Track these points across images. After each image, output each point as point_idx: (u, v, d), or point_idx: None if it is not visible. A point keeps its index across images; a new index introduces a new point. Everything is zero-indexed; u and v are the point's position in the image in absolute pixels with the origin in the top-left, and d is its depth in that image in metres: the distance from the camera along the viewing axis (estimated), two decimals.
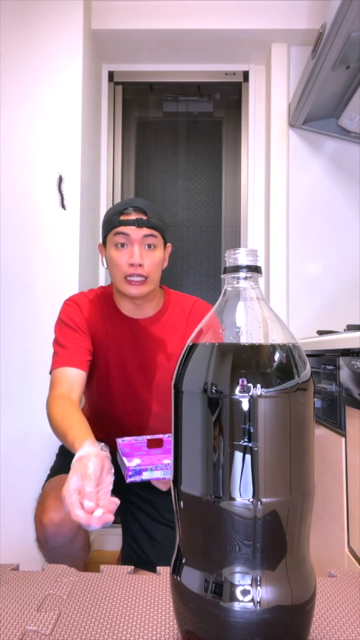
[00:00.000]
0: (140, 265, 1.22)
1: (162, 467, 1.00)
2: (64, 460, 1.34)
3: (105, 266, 1.31)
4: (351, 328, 1.46)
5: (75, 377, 1.21)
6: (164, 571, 0.62)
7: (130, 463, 1.02)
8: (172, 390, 0.45)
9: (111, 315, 1.34)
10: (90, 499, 0.80)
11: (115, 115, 2.40)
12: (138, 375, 1.33)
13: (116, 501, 0.83)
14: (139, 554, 1.31)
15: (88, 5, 2.06)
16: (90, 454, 0.89)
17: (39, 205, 1.95)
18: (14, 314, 1.91)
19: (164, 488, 1.08)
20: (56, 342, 1.28)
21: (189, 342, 0.46)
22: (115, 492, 1.45)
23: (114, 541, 2.16)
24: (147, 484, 1.36)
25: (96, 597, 0.55)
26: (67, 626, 0.49)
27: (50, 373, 1.24)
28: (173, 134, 2.45)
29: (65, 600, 0.55)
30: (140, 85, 2.42)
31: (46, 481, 1.27)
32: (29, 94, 1.97)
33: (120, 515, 1.44)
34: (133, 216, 1.23)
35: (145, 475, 0.99)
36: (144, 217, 1.23)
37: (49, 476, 1.28)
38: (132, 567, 0.64)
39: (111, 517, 0.79)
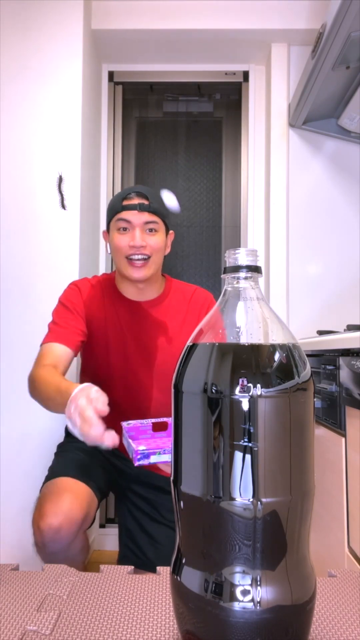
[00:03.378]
0: (142, 246, 1.26)
1: (169, 450, 0.99)
2: (62, 460, 1.34)
3: (109, 252, 1.33)
4: (351, 328, 1.46)
5: (62, 353, 1.25)
6: (164, 571, 0.62)
7: (139, 447, 1.02)
8: (172, 390, 0.45)
9: (112, 298, 1.36)
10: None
11: (115, 115, 2.40)
12: (139, 358, 1.34)
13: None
14: (137, 554, 1.30)
15: (88, 5, 2.06)
16: (91, 386, 0.99)
17: (39, 205, 1.95)
18: (14, 313, 1.91)
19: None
20: (51, 322, 1.32)
21: (189, 342, 0.46)
22: (114, 490, 1.46)
23: (114, 541, 2.16)
24: (147, 482, 1.36)
25: (96, 597, 0.55)
26: (67, 626, 0.49)
27: (40, 346, 1.28)
28: (173, 134, 2.45)
29: (65, 600, 0.55)
30: (140, 85, 2.42)
31: (44, 483, 1.26)
32: (29, 94, 1.97)
33: (119, 515, 1.44)
34: (135, 201, 1.27)
35: (153, 459, 0.99)
36: (146, 202, 1.27)
37: (47, 477, 1.28)
38: (132, 567, 0.64)
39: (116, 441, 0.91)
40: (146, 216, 1.27)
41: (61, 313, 1.33)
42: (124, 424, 1.17)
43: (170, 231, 1.37)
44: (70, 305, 1.33)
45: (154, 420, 1.19)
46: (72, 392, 0.99)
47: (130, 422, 1.18)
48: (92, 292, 1.37)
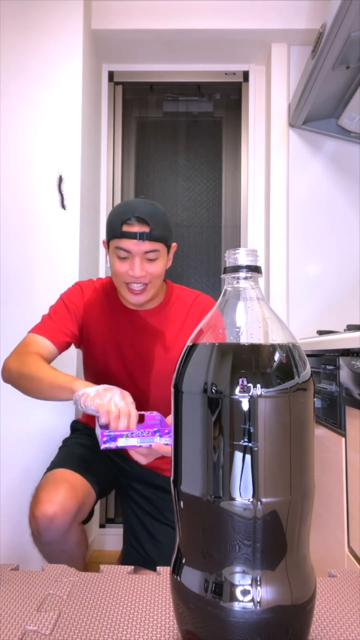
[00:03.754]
0: (141, 276, 1.23)
1: (137, 434, 0.99)
2: (63, 454, 1.35)
3: (108, 264, 1.33)
4: (351, 328, 1.46)
5: (46, 347, 1.27)
6: (164, 571, 0.62)
7: (105, 430, 1.02)
8: (172, 390, 0.45)
9: (112, 305, 1.36)
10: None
11: (115, 115, 2.40)
12: (136, 365, 1.35)
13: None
14: (140, 552, 1.31)
15: (88, 5, 2.06)
16: (116, 387, 1.08)
17: (39, 205, 1.95)
18: (14, 313, 1.91)
19: (143, 461, 1.06)
20: (47, 314, 1.34)
21: (189, 342, 0.46)
22: (116, 488, 1.47)
23: (114, 541, 2.16)
24: (148, 482, 1.36)
25: (96, 597, 0.55)
26: (67, 626, 0.49)
27: (28, 333, 1.30)
28: (173, 134, 2.45)
29: (65, 600, 0.55)
30: (140, 85, 2.42)
31: (43, 475, 1.27)
32: (29, 94, 1.97)
33: (122, 513, 1.44)
34: (136, 228, 1.20)
35: (121, 442, 0.99)
36: (147, 230, 1.20)
37: (48, 469, 1.29)
38: (132, 567, 0.64)
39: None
40: (147, 245, 1.21)
41: (58, 309, 1.33)
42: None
43: (173, 244, 1.32)
44: (69, 304, 1.34)
45: None
46: (77, 387, 1.09)
47: None
48: (94, 295, 1.37)
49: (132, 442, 0.99)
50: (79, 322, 1.33)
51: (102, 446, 0.99)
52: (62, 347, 1.31)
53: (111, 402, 1.03)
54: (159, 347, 1.35)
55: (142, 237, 1.20)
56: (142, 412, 1.21)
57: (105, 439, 0.98)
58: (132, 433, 0.99)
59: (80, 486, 1.20)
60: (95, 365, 1.38)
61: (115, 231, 1.23)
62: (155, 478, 1.36)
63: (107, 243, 1.29)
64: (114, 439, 0.98)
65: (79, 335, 1.36)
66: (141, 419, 1.21)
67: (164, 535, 1.30)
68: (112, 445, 0.98)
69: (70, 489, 1.16)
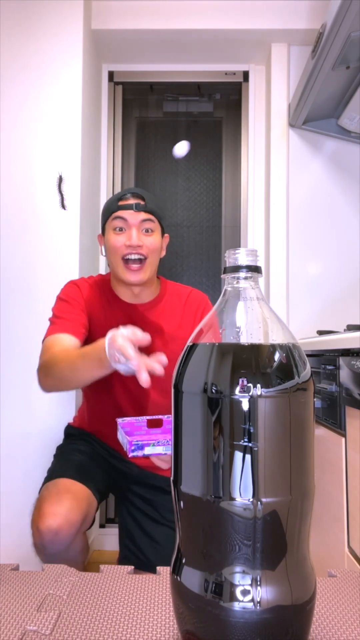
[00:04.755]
0: (138, 246, 1.25)
1: (163, 442, 1.00)
2: (61, 462, 1.34)
3: (104, 254, 1.32)
4: (351, 328, 1.46)
5: (70, 342, 1.20)
6: (164, 571, 0.62)
7: (132, 438, 1.03)
8: (172, 390, 0.45)
9: (108, 300, 1.36)
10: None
11: (115, 115, 2.40)
12: None
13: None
14: (137, 555, 1.30)
15: (88, 5, 2.06)
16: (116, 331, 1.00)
17: (39, 205, 1.95)
18: (14, 313, 1.91)
19: (164, 466, 1.07)
20: (52, 316, 1.29)
21: (189, 342, 0.46)
22: (114, 491, 1.46)
23: (114, 541, 2.16)
24: (147, 483, 1.36)
25: (96, 597, 0.55)
26: (67, 626, 0.49)
27: (43, 341, 1.24)
28: (173, 134, 2.45)
29: (65, 600, 0.55)
30: (140, 85, 2.42)
31: (43, 484, 1.26)
32: (29, 94, 1.97)
33: (119, 516, 1.44)
34: (131, 201, 1.27)
35: (147, 450, 1.00)
36: (142, 202, 1.27)
37: (46, 478, 1.28)
38: (132, 567, 0.64)
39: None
40: (142, 215, 1.26)
41: (62, 307, 1.30)
42: (119, 420, 1.18)
43: (166, 234, 1.37)
44: (70, 299, 1.31)
45: (149, 417, 1.20)
46: (103, 342, 1.01)
47: (125, 418, 1.19)
48: (91, 291, 1.36)
49: (158, 450, 1.00)
50: (85, 313, 1.31)
51: (130, 455, 0.99)
52: (83, 337, 1.26)
53: (120, 339, 0.97)
54: (157, 342, 1.34)
55: (137, 207, 1.26)
56: (161, 417, 1.20)
57: (133, 447, 0.99)
58: (158, 442, 1.00)
59: (83, 496, 1.19)
60: None
61: (111, 207, 1.28)
62: (153, 479, 1.35)
63: (103, 227, 1.32)
64: (141, 447, 0.99)
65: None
66: (159, 424, 1.21)
67: (162, 536, 1.29)
68: (139, 453, 0.99)
69: (74, 500, 1.14)
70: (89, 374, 1.07)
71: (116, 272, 1.30)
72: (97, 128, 2.29)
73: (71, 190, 1.94)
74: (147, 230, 1.28)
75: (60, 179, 1.94)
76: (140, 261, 1.27)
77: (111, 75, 2.38)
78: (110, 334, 1.00)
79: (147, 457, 1.03)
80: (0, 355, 1.91)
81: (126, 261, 1.27)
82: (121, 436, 1.09)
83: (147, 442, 1.00)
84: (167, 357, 1.33)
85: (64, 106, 1.96)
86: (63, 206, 1.94)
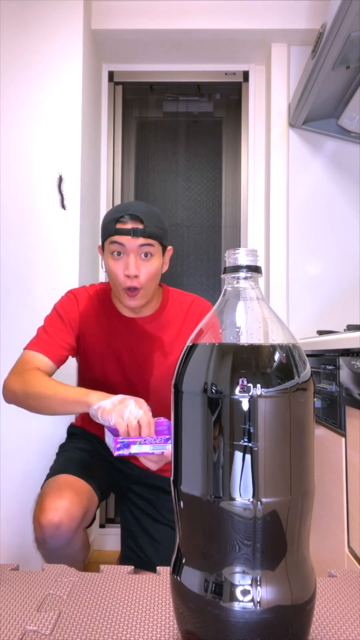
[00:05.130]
0: (135, 276, 1.22)
1: (150, 441, 1.00)
2: (64, 459, 1.34)
3: (104, 269, 1.31)
4: (351, 328, 1.46)
5: (44, 365, 1.25)
6: (164, 571, 0.62)
7: (118, 437, 1.02)
8: (172, 390, 0.45)
9: (108, 313, 1.35)
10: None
11: (115, 115, 2.40)
12: (135, 372, 1.34)
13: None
14: (138, 554, 1.30)
15: (88, 5, 2.06)
16: (130, 398, 1.10)
17: (39, 205, 1.95)
18: (14, 313, 1.91)
19: (153, 467, 1.08)
20: (42, 327, 1.31)
21: (189, 342, 0.46)
22: (115, 491, 1.46)
23: (114, 541, 2.16)
24: (147, 483, 1.36)
25: (96, 597, 0.55)
26: (67, 626, 0.49)
27: (24, 350, 1.28)
28: (173, 134, 2.45)
29: (65, 600, 0.55)
30: (140, 85, 2.42)
31: (45, 481, 1.27)
32: (29, 94, 1.97)
33: (120, 517, 1.44)
34: (129, 225, 1.20)
35: (134, 449, 0.99)
36: (140, 226, 1.20)
37: (49, 475, 1.28)
38: (132, 567, 0.64)
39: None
40: (140, 241, 1.21)
41: (53, 321, 1.31)
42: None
43: (169, 247, 1.32)
44: (64, 315, 1.31)
45: None
46: (92, 398, 1.11)
47: None
48: (89, 303, 1.34)
49: (144, 449, 1.00)
50: (75, 332, 1.31)
51: (115, 453, 0.99)
52: (61, 362, 1.29)
53: (130, 418, 1.04)
54: (157, 354, 1.34)
55: (135, 233, 1.20)
56: None
57: (118, 446, 0.99)
58: (144, 440, 1.00)
59: (84, 492, 1.19)
60: (92, 375, 1.36)
61: (109, 230, 1.23)
62: (154, 479, 1.35)
63: (102, 246, 1.29)
64: (127, 446, 0.99)
65: (76, 346, 1.34)
66: None
67: (162, 535, 1.29)
68: (125, 452, 0.99)
69: (75, 495, 1.15)
70: (63, 410, 1.16)
71: (116, 294, 1.30)
72: (97, 128, 2.29)
73: (71, 190, 1.94)
74: (145, 255, 1.23)
75: (60, 179, 1.94)
76: (137, 289, 1.24)
77: (111, 75, 2.38)
78: (110, 403, 1.09)
79: (133, 455, 1.02)
80: (0, 355, 1.91)
81: (125, 289, 1.25)
82: (107, 436, 1.09)
83: (133, 441, 1.00)
84: (167, 367, 1.33)
85: (64, 106, 1.96)
86: (63, 206, 1.94)
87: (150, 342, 1.34)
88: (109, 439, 1.08)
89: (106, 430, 1.12)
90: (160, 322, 1.35)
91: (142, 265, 1.23)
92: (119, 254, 1.23)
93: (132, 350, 1.33)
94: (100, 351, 1.33)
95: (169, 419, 0.45)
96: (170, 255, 1.34)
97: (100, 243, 1.33)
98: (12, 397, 1.22)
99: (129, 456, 1.10)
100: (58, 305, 1.34)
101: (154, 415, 1.33)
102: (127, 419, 1.03)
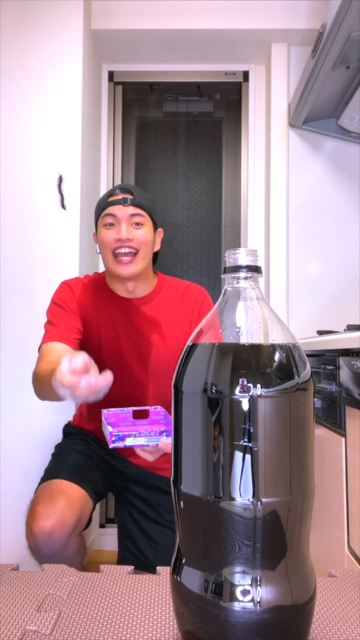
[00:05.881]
0: (128, 239, 1.26)
1: (146, 434, 1.00)
2: (58, 462, 1.33)
3: (98, 252, 1.33)
4: (351, 328, 1.46)
5: (63, 350, 1.22)
6: (164, 571, 0.62)
7: (114, 429, 1.02)
8: (172, 390, 0.45)
9: (104, 297, 1.36)
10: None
11: (115, 115, 2.40)
12: (133, 356, 1.34)
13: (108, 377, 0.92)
14: (137, 555, 1.30)
15: (88, 5, 2.06)
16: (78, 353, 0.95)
17: (39, 205, 1.95)
18: (14, 313, 1.91)
19: (150, 458, 1.07)
20: (47, 322, 1.31)
21: (189, 342, 0.46)
22: (112, 491, 1.46)
23: (113, 541, 2.16)
24: (146, 483, 1.36)
25: (96, 597, 0.55)
26: (67, 626, 0.49)
27: (39, 349, 1.27)
28: (173, 133, 2.45)
29: (65, 600, 0.55)
30: (140, 85, 2.42)
31: (39, 485, 1.26)
32: (29, 93, 1.97)
33: (117, 517, 1.43)
34: (120, 196, 1.29)
35: (129, 441, 0.99)
36: (130, 196, 1.28)
37: (42, 479, 1.28)
38: (132, 567, 0.64)
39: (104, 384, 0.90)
40: (131, 209, 1.27)
41: (55, 312, 1.32)
42: (104, 410, 1.17)
43: (159, 229, 1.37)
44: (63, 304, 1.32)
45: (135, 408, 1.20)
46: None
47: (110, 409, 1.18)
48: (84, 291, 1.36)
49: (139, 441, 1.00)
50: (79, 316, 1.33)
51: (111, 445, 0.99)
52: (76, 345, 1.28)
53: (63, 369, 0.91)
54: (155, 337, 1.34)
55: (125, 201, 1.27)
56: (147, 408, 1.21)
57: (113, 438, 0.99)
58: (139, 433, 1.00)
59: (77, 497, 1.18)
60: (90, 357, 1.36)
61: (101, 205, 1.30)
62: (152, 479, 1.35)
63: (96, 225, 1.33)
64: (122, 438, 0.99)
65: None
66: (145, 415, 1.21)
67: (160, 536, 1.29)
68: (120, 444, 0.99)
69: (67, 502, 1.14)
70: (52, 392, 1.05)
71: (108, 267, 1.31)
72: (97, 128, 2.29)
73: (71, 190, 1.94)
74: (137, 224, 1.28)
75: (60, 179, 1.94)
76: (132, 254, 1.27)
77: (111, 75, 2.38)
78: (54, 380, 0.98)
79: (128, 447, 1.02)
80: (0, 355, 1.91)
81: (116, 255, 1.27)
82: (104, 428, 1.09)
83: (128, 434, 1.00)
84: (165, 351, 1.33)
85: (64, 106, 1.96)
86: (63, 206, 1.94)
87: (147, 324, 1.34)
88: (105, 429, 1.08)
89: (103, 422, 1.12)
90: (156, 304, 1.36)
91: (133, 231, 1.28)
92: (111, 225, 1.28)
93: (129, 333, 1.33)
94: (98, 337, 1.34)
95: (168, 405, 0.45)
96: (161, 237, 1.39)
97: (95, 231, 1.35)
98: (35, 392, 1.19)
99: (126, 451, 1.10)
100: (55, 297, 1.35)
101: (153, 402, 1.34)
102: (64, 372, 0.91)
